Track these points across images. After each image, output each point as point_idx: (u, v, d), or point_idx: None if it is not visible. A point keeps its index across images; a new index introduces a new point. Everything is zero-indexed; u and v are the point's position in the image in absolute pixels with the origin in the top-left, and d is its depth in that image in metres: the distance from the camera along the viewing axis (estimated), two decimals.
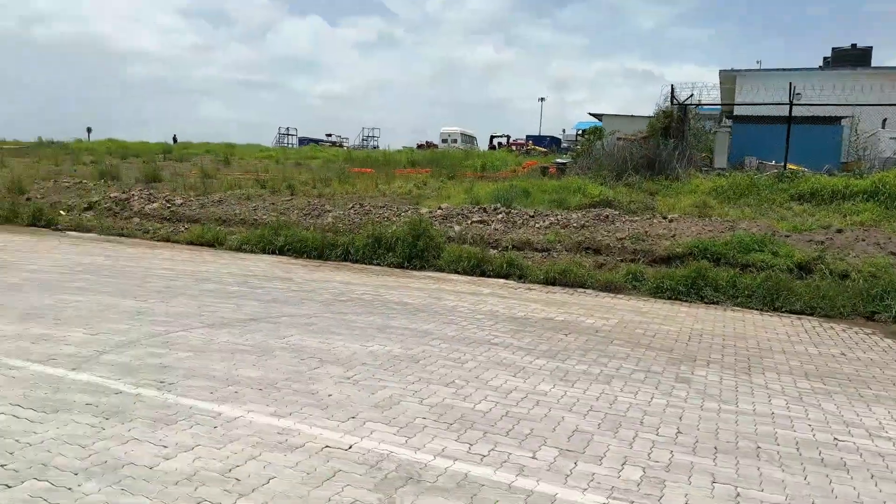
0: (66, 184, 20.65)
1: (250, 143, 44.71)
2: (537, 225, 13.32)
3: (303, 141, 51.65)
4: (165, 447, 3.89)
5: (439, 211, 15.50)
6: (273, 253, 13.31)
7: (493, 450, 4.15)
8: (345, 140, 54.28)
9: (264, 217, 16.22)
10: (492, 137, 47.62)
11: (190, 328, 6.85)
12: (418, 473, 3.75)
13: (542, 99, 67.15)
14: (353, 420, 4.51)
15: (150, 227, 15.88)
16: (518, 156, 33.59)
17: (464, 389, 5.26)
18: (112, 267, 10.59)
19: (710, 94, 32.92)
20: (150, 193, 18.88)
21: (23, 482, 3.35)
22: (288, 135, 53.53)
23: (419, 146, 44.97)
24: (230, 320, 7.32)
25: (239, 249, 13.60)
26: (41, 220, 16.16)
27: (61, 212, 17.18)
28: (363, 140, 53.48)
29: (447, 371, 5.72)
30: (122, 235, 15.23)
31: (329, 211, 16.54)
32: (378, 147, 47.68)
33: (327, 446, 4.06)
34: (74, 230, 15.67)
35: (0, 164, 26.98)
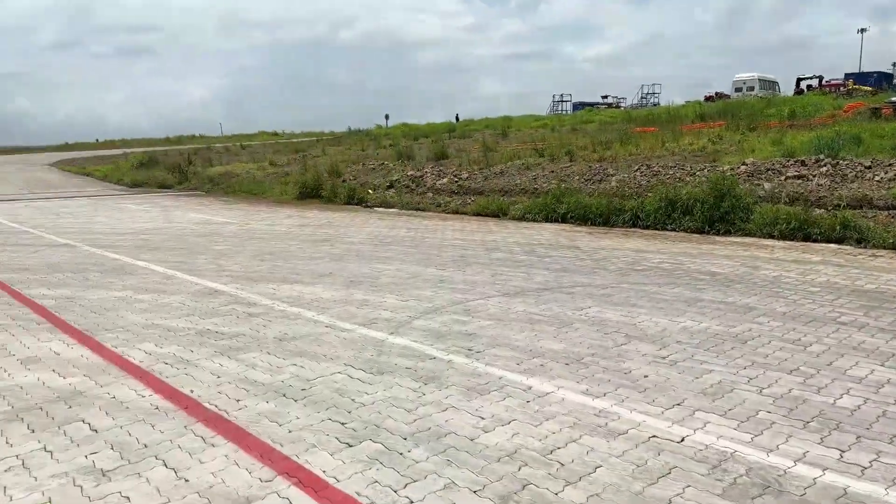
0: (372, 166, 23.13)
1: (525, 115, 45.71)
2: (877, 178, 10.89)
3: (577, 106, 50.98)
4: (483, 419, 3.79)
5: (743, 167, 13.69)
6: (555, 221, 13.12)
7: (875, 460, 3.23)
8: (622, 100, 52.18)
9: (544, 185, 16.15)
10: (799, 80, 41.12)
11: (487, 296, 6.89)
12: (777, 482, 3.05)
13: (863, 30, 55.65)
14: (678, 408, 3.94)
15: (442, 201, 16.95)
16: (836, 98, 28.47)
17: (815, 379, 4.30)
18: (413, 238, 11.41)
19: None
20: (440, 170, 20.15)
21: (361, 442, 3.50)
22: (562, 101, 53.38)
23: (707, 98, 40.98)
24: (523, 289, 7.21)
25: (522, 219, 13.71)
26: (354, 199, 18.36)
27: (369, 190, 19.31)
28: (642, 98, 50.79)
29: (787, 355, 4.78)
30: (419, 209, 16.52)
31: (612, 175, 15.79)
32: (658, 104, 44.81)
33: (654, 436, 3.57)
34: (380, 206, 17.47)
35: (322, 152, 31.62)
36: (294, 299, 6.87)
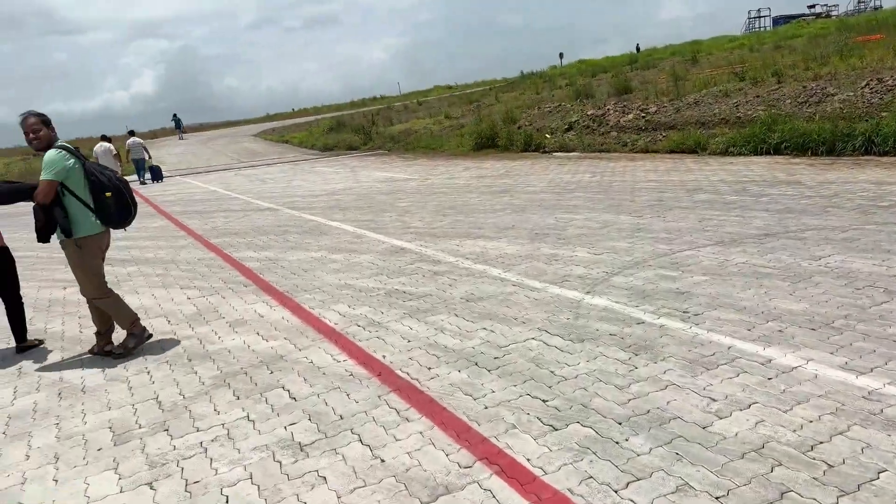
0: (548, 108, 22.19)
1: (717, 36, 41.05)
2: None
3: (777, 21, 44.64)
4: (714, 400, 3.14)
5: None
6: (766, 154, 11.43)
7: None
8: (833, 8, 44.70)
9: (749, 113, 14.20)
10: None
11: (696, 246, 6.01)
12: None
13: None
14: None
15: (628, 140, 15.69)
16: None
17: None
18: (599, 183, 10.57)
19: None
20: (625, 105, 18.69)
21: (567, 426, 3.05)
22: (759, 17, 47.06)
23: None
24: (740, 236, 6.20)
25: (725, 153, 12.15)
26: (531, 146, 17.71)
27: (546, 135, 18.51)
28: (859, 3, 43.00)
29: None
30: (602, 151, 15.45)
31: (833, 94, 13.41)
32: (881, 7, 37.68)
33: None
34: (560, 151, 16.65)
35: (495, 100, 31.14)
36: (478, 255, 6.55)
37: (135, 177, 21.47)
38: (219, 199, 14.27)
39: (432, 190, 12.09)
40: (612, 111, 18.67)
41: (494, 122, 21.24)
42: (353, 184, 14.57)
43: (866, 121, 10.51)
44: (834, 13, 43.28)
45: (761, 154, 11.48)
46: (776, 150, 11.29)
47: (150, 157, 21.35)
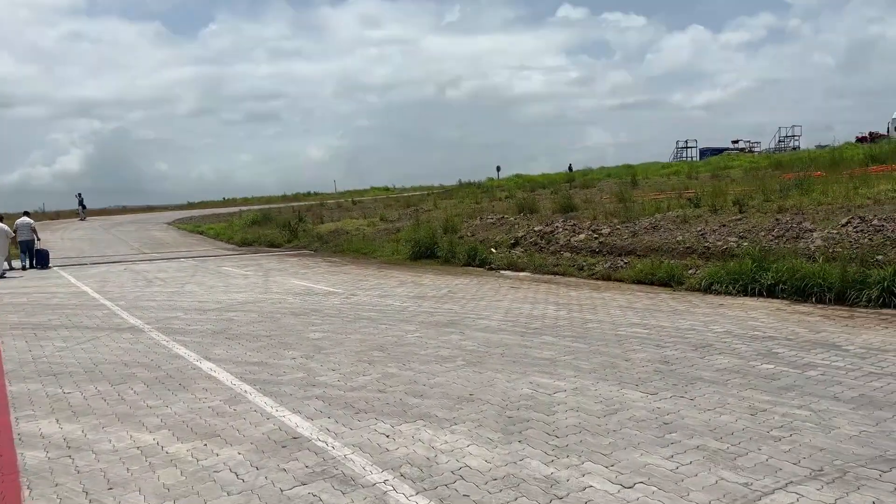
0: (491, 220, 20.32)
1: (647, 162, 41.77)
2: None
3: (704, 152, 46.22)
4: None
5: None
6: (757, 294, 9.51)
7: None
8: (755, 145, 46.84)
9: (719, 244, 12.56)
10: None
11: (783, 479, 3.57)
12: None
13: None
14: None
15: (584, 263, 13.70)
16: None
17: None
18: (570, 322, 8.23)
19: None
20: (574, 224, 16.97)
21: None
22: (686, 147, 48.68)
23: (860, 139, 35.42)
24: (841, 454, 3.83)
25: (707, 290, 10.18)
26: (475, 259, 15.49)
27: (492, 249, 16.43)
28: (780, 142, 45.22)
29: None
30: (556, 273, 13.35)
31: (810, 230, 11.95)
32: (799, 148, 39.44)
33: None
34: (507, 269, 14.47)
35: (434, 205, 29.35)
36: (425, 468, 3.87)
37: (17, 262, 17.88)
38: (79, 305, 11.03)
39: (358, 313, 9.43)
40: (561, 229, 16.88)
41: (433, 229, 19.09)
42: (261, 294, 11.72)
43: (881, 266, 8.79)
44: (756, 149, 45.24)
45: (752, 294, 9.55)
46: (769, 292, 9.40)
47: (38, 240, 18.51)
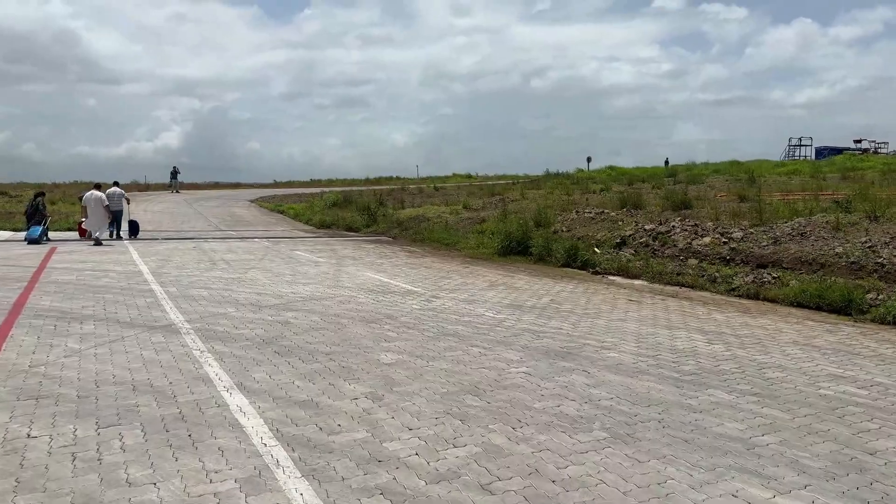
0: (590, 214, 17.80)
1: (759, 159, 37.56)
2: None
3: (821, 151, 41.30)
4: None
5: None
6: None
7: None
8: (881, 145, 41.38)
9: (884, 259, 9.70)
10: None
11: None
12: None
13: None
14: None
15: (717, 274, 11.08)
16: None
17: None
18: (739, 366, 5.81)
19: None
20: (695, 225, 14.25)
21: None
22: (800, 146, 43.77)
23: None
24: None
25: None
26: (575, 260, 13.13)
27: (595, 249, 14.01)
28: None
29: None
30: (681, 285, 10.82)
31: None
32: None
33: None
34: (617, 274, 12.04)
35: (521, 195, 26.98)
36: None
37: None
38: (125, 289, 9.54)
39: (442, 325, 7.39)
40: (679, 229, 14.19)
41: (524, 221, 16.84)
42: (329, 289, 9.90)
43: None
44: (882, 150, 39.94)
45: None
46: None
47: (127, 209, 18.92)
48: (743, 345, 6.64)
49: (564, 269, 12.95)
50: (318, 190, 41.28)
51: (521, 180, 41.07)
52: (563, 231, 16.59)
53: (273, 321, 7.45)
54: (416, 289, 10.17)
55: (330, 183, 56.00)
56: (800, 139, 44.00)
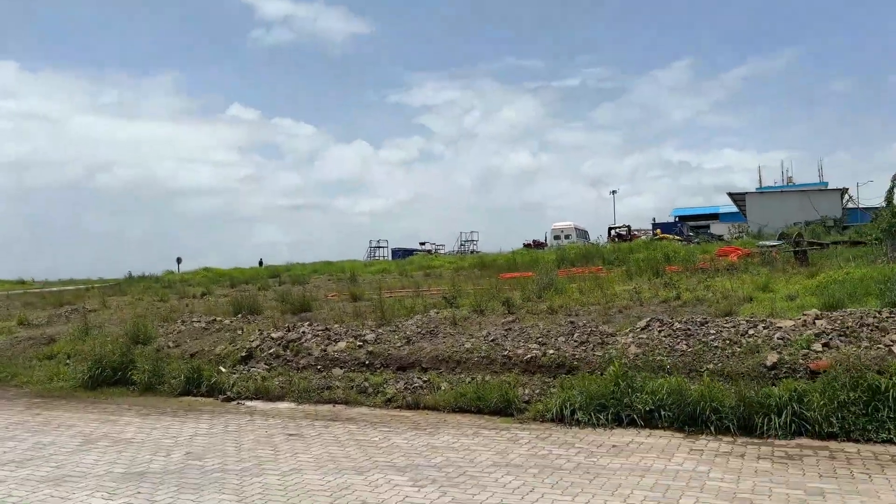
0: (200, 323, 15.14)
1: (345, 259, 39.90)
2: None
3: (396, 252, 46.74)
4: None
5: (816, 324, 9.32)
6: (633, 425, 7.24)
7: None
8: (440, 247, 49.24)
9: (519, 352, 10.34)
10: (610, 229, 41.97)
11: None
12: None
13: (614, 192, 62.54)
14: None
15: (366, 383, 10.00)
16: (683, 244, 27.68)
17: None
18: None
19: None
20: (326, 328, 13.19)
21: None
22: (379, 247, 48.77)
23: (526, 245, 39.47)
24: None
25: (560, 420, 7.54)
26: (199, 385, 10.44)
27: (221, 368, 11.52)
28: (462, 245, 48.38)
29: None
30: (334, 402, 9.36)
31: (611, 335, 10.58)
32: (478, 251, 42.38)
33: None
34: (255, 398, 9.89)
35: (102, 305, 21.90)
36: None
37: None
38: None
39: None
40: (310, 335, 12.92)
41: (114, 338, 13.26)
42: None
43: (792, 381, 7.29)
44: (442, 251, 47.54)
45: (625, 424, 7.23)
46: (647, 421, 7.20)
47: None
48: (452, 481, 5.49)
49: (184, 398, 10.15)
50: None
51: (96, 285, 34.41)
52: (169, 347, 13.49)
53: None
54: None
55: None
56: (378, 241, 49.30)
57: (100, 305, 21.60)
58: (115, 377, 11.12)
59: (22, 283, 42.82)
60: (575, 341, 10.41)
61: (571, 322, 11.37)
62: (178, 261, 40.59)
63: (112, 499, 5.24)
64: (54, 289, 34.46)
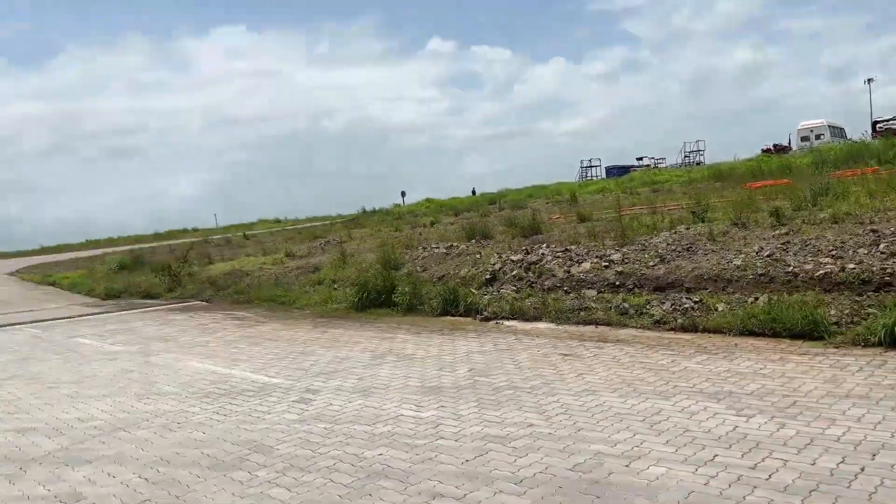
0: (440, 249, 15.65)
1: (558, 182, 39.14)
2: None
3: (610, 171, 44.62)
4: None
5: None
6: None
7: None
8: (660, 161, 45.83)
9: (807, 267, 8.83)
10: (875, 123, 35.07)
11: None
12: None
13: (870, 80, 51.59)
14: None
15: (627, 305, 9.42)
16: None
17: None
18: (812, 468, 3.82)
19: None
20: (566, 250, 12.74)
21: None
22: (591, 167, 47.04)
23: (765, 151, 34.71)
24: None
25: (893, 345, 6.22)
26: (456, 307, 10.76)
27: (472, 290, 11.80)
28: (685, 157, 44.51)
29: None
30: (594, 323, 8.96)
31: None
32: (703, 163, 38.54)
33: None
34: (511, 318, 9.91)
35: (347, 236, 24.14)
36: None
37: None
38: None
39: (353, 450, 4.45)
40: (550, 257, 12.57)
41: (370, 265, 14.24)
42: (139, 402, 6.29)
43: None
44: (662, 165, 44.23)
45: None
46: None
47: None
48: (784, 412, 4.71)
49: (445, 318, 10.52)
50: (97, 252, 34.36)
51: (336, 221, 38.21)
52: (417, 271, 14.20)
53: (44, 500, 3.90)
54: (274, 379, 6.99)
55: (111, 242, 47.76)
56: (590, 160, 47.36)
57: (346, 237, 23.81)
58: (379, 300, 11.95)
59: (278, 221, 49.38)
60: (882, 253, 8.65)
61: (874, 230, 9.47)
62: (403, 194, 43.26)
63: (421, 410, 5.42)
64: (303, 225, 39.02)
